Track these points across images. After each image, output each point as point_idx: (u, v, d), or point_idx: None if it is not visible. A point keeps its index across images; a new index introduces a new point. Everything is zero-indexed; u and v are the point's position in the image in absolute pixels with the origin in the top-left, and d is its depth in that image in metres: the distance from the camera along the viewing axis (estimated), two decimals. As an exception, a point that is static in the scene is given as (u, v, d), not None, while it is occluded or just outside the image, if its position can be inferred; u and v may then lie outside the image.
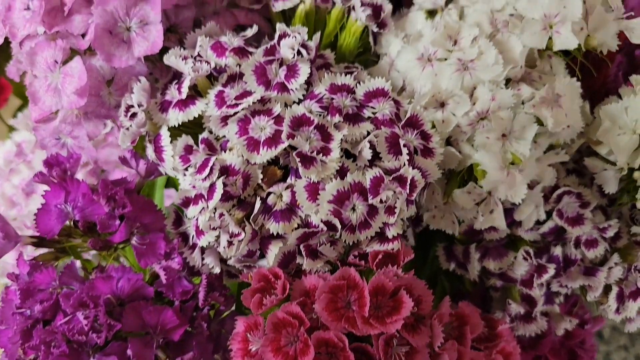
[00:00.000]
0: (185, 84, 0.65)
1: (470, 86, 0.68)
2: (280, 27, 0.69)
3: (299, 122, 0.63)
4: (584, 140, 0.73)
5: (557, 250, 0.76)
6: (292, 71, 0.65)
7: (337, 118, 0.64)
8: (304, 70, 0.65)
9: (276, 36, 0.68)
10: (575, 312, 0.84)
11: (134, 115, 0.66)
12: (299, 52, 0.66)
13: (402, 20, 0.76)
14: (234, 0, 0.79)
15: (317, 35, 0.71)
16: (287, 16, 0.79)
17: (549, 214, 0.74)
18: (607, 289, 0.77)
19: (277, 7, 0.76)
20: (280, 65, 0.66)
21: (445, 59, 0.69)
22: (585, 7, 0.69)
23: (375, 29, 0.74)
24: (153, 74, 0.75)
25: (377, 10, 0.74)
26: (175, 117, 0.66)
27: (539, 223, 0.74)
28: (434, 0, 0.75)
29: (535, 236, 0.76)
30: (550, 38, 0.68)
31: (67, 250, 0.71)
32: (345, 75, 0.67)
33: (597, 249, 0.76)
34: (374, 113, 0.66)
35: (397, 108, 0.67)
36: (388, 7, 0.75)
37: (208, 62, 0.66)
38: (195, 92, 0.68)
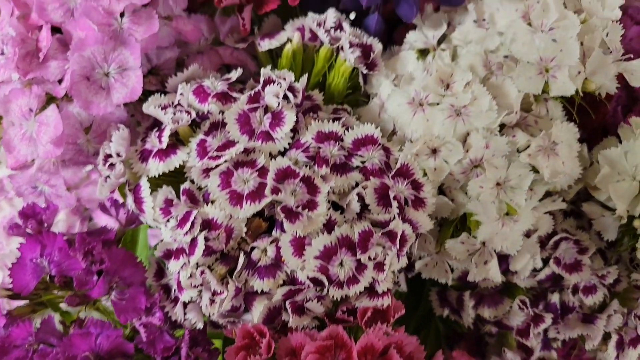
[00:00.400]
0: (166, 134, 0.62)
1: (464, 132, 0.65)
2: (265, 72, 0.66)
3: (284, 175, 0.60)
4: (581, 185, 0.70)
5: (555, 298, 0.73)
6: (277, 119, 0.63)
7: (324, 170, 0.61)
8: (290, 118, 0.62)
9: (261, 81, 0.66)
10: (575, 356, 0.81)
11: (112, 165, 0.63)
12: (285, 97, 0.64)
13: (392, 59, 0.73)
14: (218, 39, 0.76)
15: (305, 78, 0.68)
16: (275, 54, 0.76)
17: (545, 261, 0.71)
18: (607, 336, 0.75)
19: (264, 46, 0.74)
20: (265, 112, 0.63)
21: (438, 104, 0.66)
22: (582, 49, 0.66)
23: (365, 71, 0.71)
24: (134, 116, 0.72)
25: (366, 51, 0.71)
26: (156, 167, 0.63)
27: (535, 270, 0.71)
28: (426, 39, 0.73)
29: (531, 283, 0.73)
30: (546, 82, 0.65)
31: (45, 303, 0.68)
32: (333, 121, 0.65)
33: (596, 296, 0.73)
34: (362, 162, 0.64)
35: (387, 156, 0.65)
36: (378, 47, 0.72)
37: (189, 112, 0.63)
38: (177, 140, 0.65)
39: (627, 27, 0.92)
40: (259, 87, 0.65)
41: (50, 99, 0.66)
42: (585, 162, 0.71)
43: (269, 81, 0.65)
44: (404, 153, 0.64)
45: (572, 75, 0.65)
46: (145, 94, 0.68)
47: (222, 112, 0.64)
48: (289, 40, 0.73)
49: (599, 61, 0.66)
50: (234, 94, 0.66)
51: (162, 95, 0.69)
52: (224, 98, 0.66)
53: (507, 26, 0.68)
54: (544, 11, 0.65)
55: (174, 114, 0.62)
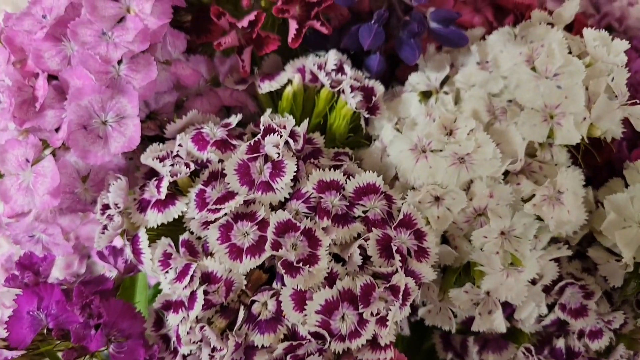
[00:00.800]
0: (164, 185, 0.61)
1: (467, 180, 0.64)
2: (265, 120, 0.65)
3: (285, 228, 0.59)
4: (587, 230, 0.69)
5: (560, 343, 0.72)
6: (277, 169, 0.62)
7: (325, 222, 0.60)
8: (290, 168, 0.61)
9: (261, 129, 0.64)
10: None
11: (110, 216, 0.62)
12: (286, 143, 0.63)
13: (395, 101, 0.72)
14: (217, 79, 0.75)
15: (305, 123, 0.67)
16: (275, 94, 0.75)
17: (551, 306, 0.70)
18: (613, 380, 0.74)
19: (264, 88, 0.72)
20: (265, 160, 0.62)
21: (441, 150, 0.65)
22: (587, 94, 0.65)
23: (367, 115, 0.70)
24: (133, 159, 0.71)
25: (368, 94, 0.70)
26: (154, 218, 0.62)
27: (540, 316, 0.70)
28: (428, 82, 0.71)
29: (536, 327, 0.72)
30: (551, 129, 0.64)
31: (43, 354, 0.67)
32: (334, 169, 0.64)
33: (602, 340, 0.72)
34: (364, 211, 0.63)
35: (389, 205, 0.64)
36: (380, 90, 0.71)
37: (187, 165, 0.62)
38: (176, 189, 0.64)
39: (632, 59, 0.91)
40: (259, 136, 0.63)
41: (46, 147, 0.65)
42: (591, 207, 0.70)
43: (269, 130, 0.63)
44: (406, 203, 0.63)
45: (577, 122, 0.64)
46: (144, 138, 0.67)
47: (222, 161, 0.63)
48: (290, 81, 0.72)
49: (605, 107, 0.64)
50: (234, 141, 0.65)
51: (161, 142, 0.68)
52: (223, 146, 0.65)
53: (510, 70, 0.67)
54: (548, 57, 0.64)
55: (173, 165, 0.61)
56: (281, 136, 0.62)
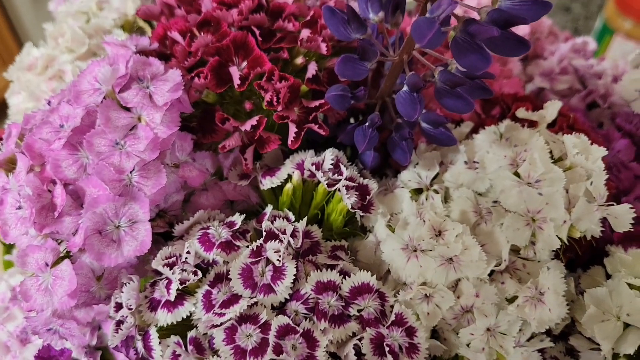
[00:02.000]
0: (174, 288, 0.66)
1: (455, 279, 0.69)
2: (266, 225, 0.70)
3: (285, 331, 0.64)
4: (569, 321, 0.74)
5: None
6: (278, 272, 0.66)
7: (322, 324, 0.65)
8: (290, 271, 0.66)
9: (263, 233, 0.69)
10: None
11: (123, 317, 0.67)
12: (288, 243, 0.68)
13: (388, 196, 0.77)
14: (221, 172, 0.80)
15: (305, 221, 0.72)
16: (277, 187, 0.79)
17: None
18: None
19: (265, 184, 0.77)
20: (267, 262, 0.67)
21: (431, 250, 0.70)
22: (568, 197, 0.70)
23: (362, 214, 0.74)
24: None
25: (363, 193, 0.75)
26: (164, 318, 0.67)
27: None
28: (419, 179, 0.76)
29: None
30: (533, 232, 0.69)
31: None
32: (331, 269, 0.69)
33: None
34: (359, 310, 0.67)
35: (382, 303, 0.68)
36: (374, 188, 0.76)
37: (195, 272, 0.67)
38: (184, 289, 0.69)
39: (615, 138, 0.95)
40: (261, 241, 0.68)
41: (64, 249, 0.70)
42: (572, 297, 0.74)
43: (270, 235, 0.69)
44: (398, 302, 0.68)
45: (558, 225, 0.68)
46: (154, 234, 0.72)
47: (227, 262, 0.68)
48: (289, 178, 0.77)
49: (584, 209, 0.69)
50: (237, 243, 0.70)
51: (170, 239, 0.73)
52: (228, 247, 0.69)
53: (496, 174, 0.72)
54: (530, 164, 0.69)
55: (181, 272, 0.66)
56: (282, 242, 0.67)
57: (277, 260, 0.66)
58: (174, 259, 0.69)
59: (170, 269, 0.67)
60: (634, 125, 0.98)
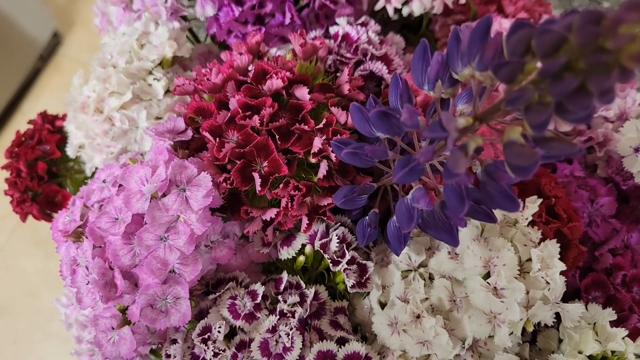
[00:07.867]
0: (209, 355, 0.87)
1: (427, 354, 0.88)
2: (280, 307, 0.88)
3: (292, 392, 0.86)
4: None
5: None
6: (288, 344, 0.86)
7: (323, 393, 0.86)
8: (297, 345, 0.86)
9: (277, 315, 0.88)
10: None
11: (172, 367, 0.90)
12: (299, 317, 0.87)
13: (383, 270, 0.93)
14: (247, 236, 0.97)
15: (313, 290, 0.90)
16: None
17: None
18: None
19: (283, 255, 0.94)
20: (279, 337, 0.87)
21: (411, 330, 0.87)
22: (527, 298, 0.85)
23: (358, 289, 0.91)
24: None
25: (361, 271, 0.91)
26: (202, 372, 0.89)
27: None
28: (409, 262, 0.91)
29: None
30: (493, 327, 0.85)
31: None
32: (330, 339, 0.88)
33: None
34: (351, 375, 0.88)
35: (370, 367, 0.89)
36: (371, 267, 0.91)
37: (224, 350, 0.87)
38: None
39: (601, 194, 1.06)
40: (276, 321, 0.87)
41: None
42: None
43: (282, 315, 0.87)
44: (382, 370, 0.88)
45: (514, 324, 0.85)
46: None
47: (249, 332, 0.89)
48: (303, 250, 0.93)
49: (540, 309, 0.84)
50: (258, 314, 0.89)
51: (204, 309, 0.93)
52: (251, 318, 0.89)
53: (469, 273, 0.86)
54: (497, 276, 0.83)
55: (214, 348, 0.87)
56: (290, 326, 0.86)
57: (288, 339, 0.86)
58: (208, 334, 0.89)
59: (205, 344, 0.87)
60: (622, 178, 1.07)
